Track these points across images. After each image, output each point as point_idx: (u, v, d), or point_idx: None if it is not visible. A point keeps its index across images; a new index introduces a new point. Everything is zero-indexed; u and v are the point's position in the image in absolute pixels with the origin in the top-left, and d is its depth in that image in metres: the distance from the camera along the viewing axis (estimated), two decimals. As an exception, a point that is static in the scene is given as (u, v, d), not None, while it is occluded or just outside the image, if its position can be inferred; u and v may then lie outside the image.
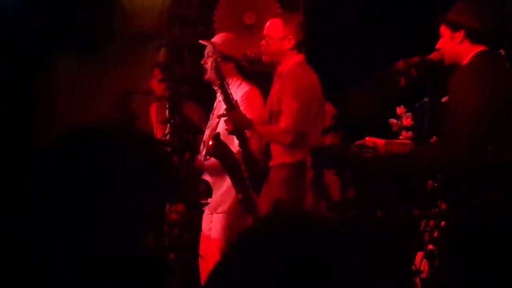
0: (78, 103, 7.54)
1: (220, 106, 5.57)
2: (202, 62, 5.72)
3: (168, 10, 7.36)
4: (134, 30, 7.48)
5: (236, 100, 5.29)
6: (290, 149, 5.12)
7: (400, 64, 4.70)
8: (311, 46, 5.60)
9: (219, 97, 5.53)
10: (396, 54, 4.85)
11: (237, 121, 5.18)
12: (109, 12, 7.55)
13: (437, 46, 4.63)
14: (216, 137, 5.31)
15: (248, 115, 5.30)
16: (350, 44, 6.81)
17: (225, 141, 5.33)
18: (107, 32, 7.52)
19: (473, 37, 4.50)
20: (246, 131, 5.25)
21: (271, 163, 5.21)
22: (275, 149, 5.22)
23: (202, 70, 5.67)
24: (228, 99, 5.25)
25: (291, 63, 5.20)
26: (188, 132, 5.74)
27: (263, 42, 5.27)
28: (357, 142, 4.74)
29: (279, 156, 5.18)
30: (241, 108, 5.34)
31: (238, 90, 5.62)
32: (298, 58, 5.24)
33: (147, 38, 7.34)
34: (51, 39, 7.32)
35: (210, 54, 5.65)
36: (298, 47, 5.25)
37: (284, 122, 5.08)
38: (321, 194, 5.05)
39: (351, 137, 4.88)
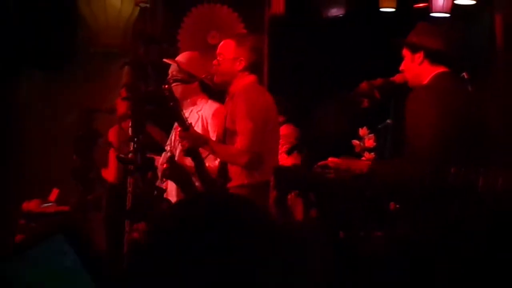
0: (41, 121, 7.49)
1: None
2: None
3: (133, 29, 7.34)
4: (99, 48, 7.44)
5: (191, 123, 5.25)
6: (248, 170, 5.09)
7: (364, 85, 4.71)
8: (274, 66, 5.60)
9: None
10: (359, 75, 4.86)
11: (193, 140, 5.13)
12: (73, 30, 7.51)
13: (400, 68, 4.66)
14: (170, 159, 5.28)
15: (217, 132, 5.29)
16: (313, 65, 6.83)
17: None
18: (72, 50, 7.48)
19: (432, 57, 4.53)
20: (201, 152, 5.21)
21: (230, 184, 5.17)
22: (233, 170, 5.18)
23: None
24: (181, 120, 5.20)
25: (242, 83, 5.18)
26: (151, 151, 5.70)
27: (215, 61, 5.27)
28: (320, 163, 4.73)
29: (237, 177, 5.14)
30: (210, 125, 5.32)
31: (207, 107, 5.63)
32: (249, 79, 5.22)
33: (112, 56, 7.30)
34: (15, 56, 7.27)
35: (174, 73, 5.63)
36: (250, 69, 5.22)
37: (240, 143, 5.06)
38: (284, 215, 5.02)
39: (314, 157, 4.87)
